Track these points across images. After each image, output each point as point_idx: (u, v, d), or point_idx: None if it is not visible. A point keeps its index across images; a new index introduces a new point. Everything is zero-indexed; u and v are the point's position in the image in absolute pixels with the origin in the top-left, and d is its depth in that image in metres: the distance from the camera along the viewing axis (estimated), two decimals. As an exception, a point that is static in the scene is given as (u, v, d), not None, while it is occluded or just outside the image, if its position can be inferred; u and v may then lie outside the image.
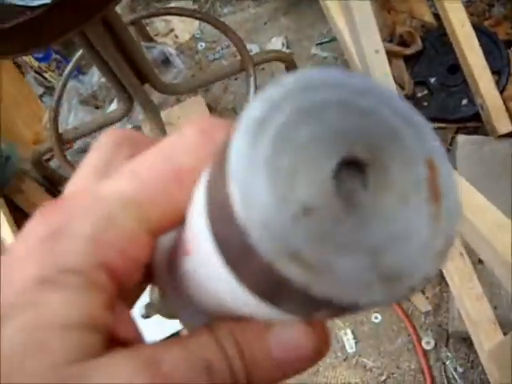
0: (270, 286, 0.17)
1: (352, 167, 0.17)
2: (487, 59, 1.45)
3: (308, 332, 0.20)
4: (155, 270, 0.25)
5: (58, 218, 0.20)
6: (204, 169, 0.20)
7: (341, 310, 0.17)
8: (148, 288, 0.29)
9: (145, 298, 0.29)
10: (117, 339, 0.20)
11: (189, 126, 0.21)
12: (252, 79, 1.37)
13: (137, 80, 1.31)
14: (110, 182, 0.21)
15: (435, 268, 0.17)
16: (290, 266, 0.16)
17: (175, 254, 0.23)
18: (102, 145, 0.25)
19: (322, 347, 0.20)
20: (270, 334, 0.20)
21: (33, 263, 0.19)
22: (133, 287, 0.21)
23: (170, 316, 0.31)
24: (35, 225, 0.20)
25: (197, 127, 0.21)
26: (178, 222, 0.21)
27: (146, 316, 0.32)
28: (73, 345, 0.18)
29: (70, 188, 0.24)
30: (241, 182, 0.16)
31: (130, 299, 0.27)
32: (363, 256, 0.16)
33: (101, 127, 1.47)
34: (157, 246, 0.23)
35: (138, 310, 0.28)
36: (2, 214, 1.41)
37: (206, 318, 0.22)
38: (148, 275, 0.24)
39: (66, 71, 1.50)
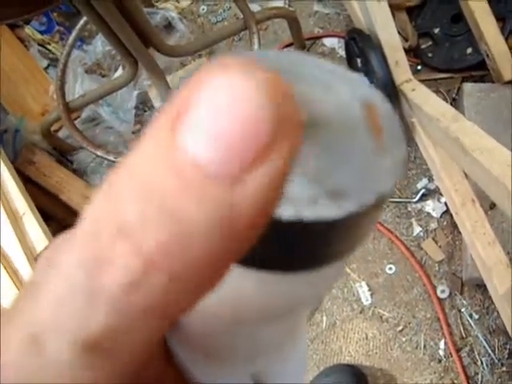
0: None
1: None
2: (491, 6, 1.43)
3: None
4: None
5: None
6: None
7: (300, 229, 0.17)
8: None
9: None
10: None
11: None
12: (255, 36, 1.36)
13: (141, 43, 1.31)
14: None
15: (386, 186, 0.17)
16: None
17: None
18: None
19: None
20: None
21: None
22: None
23: None
24: None
25: None
26: None
27: None
28: None
29: None
30: None
31: None
32: (310, 182, 0.17)
33: (108, 93, 1.47)
34: None
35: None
36: (15, 185, 1.42)
37: None
38: None
39: (70, 39, 1.50)
